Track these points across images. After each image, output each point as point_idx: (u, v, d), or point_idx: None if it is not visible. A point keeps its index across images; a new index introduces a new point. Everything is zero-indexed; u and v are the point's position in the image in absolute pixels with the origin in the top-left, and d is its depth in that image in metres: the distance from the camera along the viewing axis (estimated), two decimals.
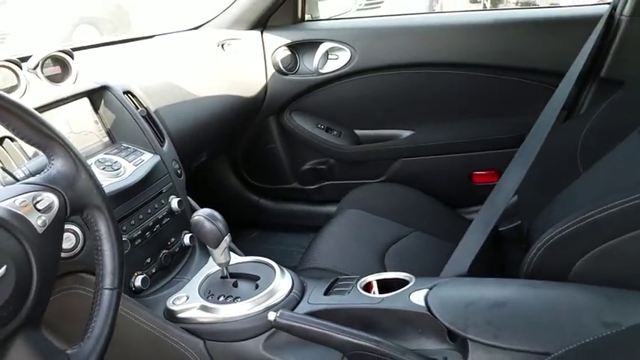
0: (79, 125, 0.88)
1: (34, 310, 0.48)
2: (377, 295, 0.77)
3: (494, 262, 1.20)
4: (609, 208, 0.77)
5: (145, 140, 0.93)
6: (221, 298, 0.81)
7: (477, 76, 1.35)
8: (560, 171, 1.10)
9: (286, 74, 1.44)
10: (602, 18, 1.16)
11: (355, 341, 0.69)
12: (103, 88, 0.92)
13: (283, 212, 1.72)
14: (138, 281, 0.82)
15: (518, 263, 0.83)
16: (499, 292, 0.71)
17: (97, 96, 0.91)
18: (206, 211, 0.80)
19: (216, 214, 0.80)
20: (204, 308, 0.79)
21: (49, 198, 0.53)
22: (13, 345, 0.47)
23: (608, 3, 1.26)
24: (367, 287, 0.81)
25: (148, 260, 0.86)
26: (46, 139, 0.55)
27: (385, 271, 0.95)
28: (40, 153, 0.63)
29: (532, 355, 0.60)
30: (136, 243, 0.84)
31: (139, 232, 0.85)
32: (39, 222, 0.51)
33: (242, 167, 1.68)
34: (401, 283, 0.78)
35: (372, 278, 0.82)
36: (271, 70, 1.44)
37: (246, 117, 1.45)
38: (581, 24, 1.23)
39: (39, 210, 0.51)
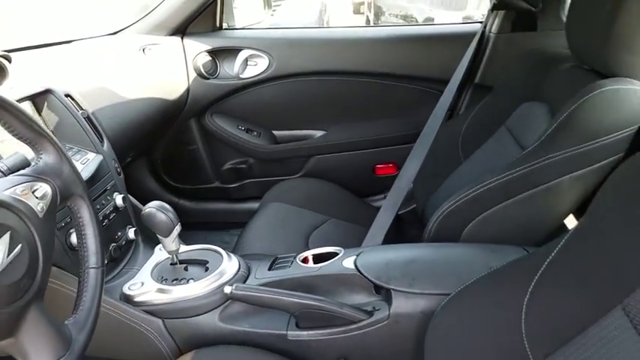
0: None
1: (41, 283, 0.55)
2: (314, 265, 0.92)
3: (396, 239, 1.41)
4: (486, 184, 1.00)
5: (88, 141, 0.98)
6: (174, 282, 0.90)
7: (377, 83, 1.56)
8: (446, 161, 1.33)
9: (207, 78, 1.53)
10: (476, 35, 1.42)
11: (301, 301, 0.83)
12: (46, 92, 0.95)
13: (204, 211, 1.79)
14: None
15: (415, 239, 1.02)
16: (411, 252, 0.90)
17: (40, 99, 0.94)
18: (156, 203, 0.87)
19: (166, 205, 0.88)
20: (160, 291, 0.87)
21: (44, 187, 0.59)
22: (30, 313, 0.54)
23: (480, 22, 1.54)
24: (304, 261, 0.95)
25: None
26: (36, 135, 0.61)
27: None
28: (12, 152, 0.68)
29: (438, 296, 0.79)
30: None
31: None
32: (38, 208, 0.57)
33: (161, 169, 1.72)
34: (332, 255, 0.94)
35: (308, 253, 0.96)
36: (193, 75, 1.52)
37: (169, 119, 1.51)
38: (459, 39, 1.48)
39: (37, 197, 0.58)
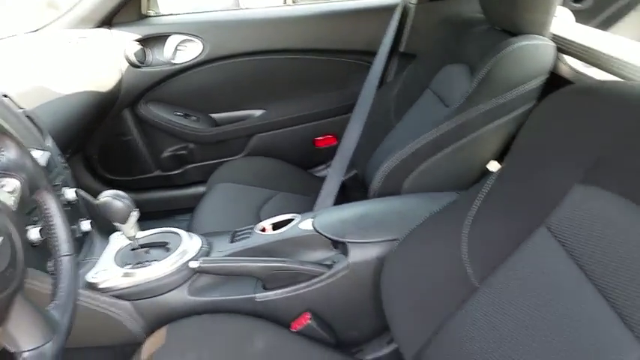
0: None
1: (22, 273, 0.57)
2: (274, 232, 0.97)
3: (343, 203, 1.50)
4: (419, 141, 1.10)
5: (32, 139, 0.96)
6: (138, 265, 0.91)
7: (310, 59, 1.61)
8: (380, 127, 1.42)
9: (139, 67, 1.51)
10: (397, 6, 1.51)
11: (267, 265, 0.89)
12: None
13: (148, 202, 1.77)
14: (35, 234, 0.86)
15: (359, 199, 1.09)
16: (361, 208, 0.98)
17: None
18: (110, 192, 0.87)
19: (120, 192, 0.89)
20: (126, 275, 0.88)
21: (12, 182, 0.60)
22: (15, 301, 0.55)
23: None
24: (263, 230, 1.00)
25: (36, 218, 0.91)
26: None
27: None
28: None
29: (389, 242, 0.88)
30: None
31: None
32: (11, 201, 0.58)
33: (98, 164, 1.67)
34: (289, 221, 1.00)
35: (266, 223, 1.01)
36: (124, 65, 1.49)
37: (103, 112, 1.48)
38: (382, 11, 1.56)
39: (8, 192, 0.59)
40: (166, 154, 1.70)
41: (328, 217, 0.97)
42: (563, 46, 1.09)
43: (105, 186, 1.71)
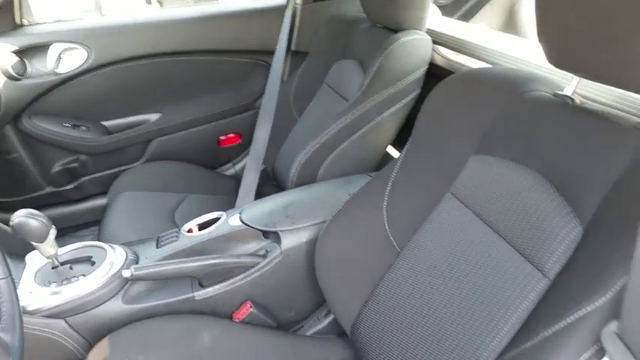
0: None
1: None
2: (202, 232, 1.00)
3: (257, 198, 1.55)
4: (326, 133, 1.20)
5: None
6: (65, 282, 0.88)
7: (204, 60, 1.61)
8: (283, 122, 1.49)
9: (18, 79, 1.39)
10: (288, 7, 1.58)
11: (202, 263, 0.92)
12: None
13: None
14: None
15: (272, 193, 1.16)
16: (285, 198, 1.05)
17: None
18: (23, 211, 0.82)
19: (34, 210, 0.85)
20: (54, 293, 0.85)
21: None
22: None
23: None
24: (189, 232, 1.02)
25: None
26: None
27: None
28: None
29: (317, 225, 0.96)
30: None
31: None
32: None
33: None
34: (215, 219, 1.03)
35: (191, 224, 1.03)
36: (2, 78, 1.36)
37: None
38: (273, 12, 1.62)
39: None
40: (57, 168, 1.59)
41: (255, 210, 1.02)
42: (437, 39, 1.27)
43: None
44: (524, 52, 1.04)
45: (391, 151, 1.36)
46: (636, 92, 0.58)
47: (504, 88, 0.76)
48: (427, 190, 0.81)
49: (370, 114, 1.19)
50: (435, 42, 1.24)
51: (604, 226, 0.55)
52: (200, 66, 1.62)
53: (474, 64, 1.15)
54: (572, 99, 0.69)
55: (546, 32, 0.64)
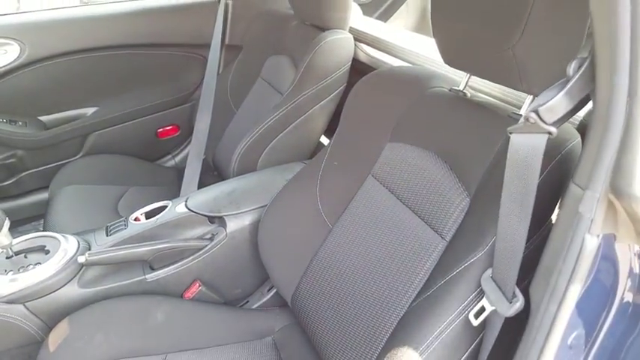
0: None
1: None
2: (150, 220, 1.07)
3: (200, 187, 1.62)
4: (264, 124, 1.31)
5: None
6: (21, 269, 0.93)
7: (137, 54, 1.64)
8: (221, 114, 1.57)
9: None
10: (220, 1, 1.65)
11: (152, 247, 1.00)
12: None
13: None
14: None
15: (213, 182, 1.24)
16: (228, 186, 1.14)
17: None
18: None
19: None
20: (12, 281, 0.90)
21: None
22: None
23: None
24: (136, 220, 1.09)
25: None
26: None
27: None
28: None
29: (259, 209, 1.07)
30: None
31: None
32: None
33: None
34: (162, 208, 1.11)
35: (138, 213, 1.10)
36: None
37: None
38: (206, 6, 1.67)
39: None
40: None
41: (199, 197, 1.11)
42: (359, 37, 1.40)
43: None
44: (432, 51, 1.20)
45: (324, 140, 1.49)
46: (511, 87, 0.73)
47: (412, 85, 0.91)
48: (352, 174, 0.94)
49: (302, 107, 1.31)
50: (357, 40, 1.38)
51: (483, 197, 0.71)
52: (136, 59, 1.65)
53: (391, 60, 1.30)
54: (464, 93, 0.84)
55: (440, 33, 0.79)
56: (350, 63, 1.34)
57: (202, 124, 1.35)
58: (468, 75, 0.84)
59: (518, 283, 0.59)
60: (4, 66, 1.44)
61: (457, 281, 0.66)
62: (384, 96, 0.95)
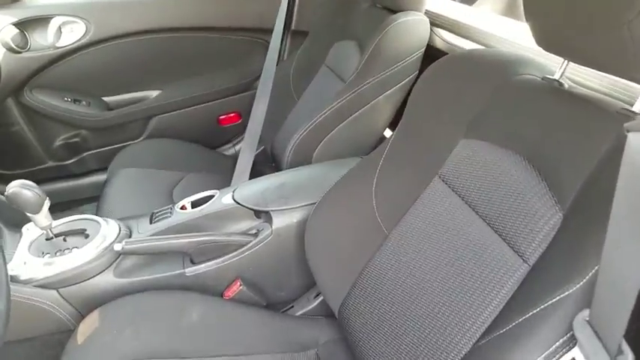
0: None
1: None
2: (195, 209, 1.01)
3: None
4: (322, 114, 1.20)
5: None
6: (58, 253, 0.90)
7: (203, 37, 1.61)
8: (282, 103, 1.49)
9: (19, 52, 1.39)
10: None
11: (194, 239, 0.93)
12: None
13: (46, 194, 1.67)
14: None
15: (269, 173, 1.16)
16: (278, 179, 1.05)
17: None
18: (17, 182, 0.84)
19: (28, 182, 0.86)
20: (47, 264, 0.87)
21: None
22: None
23: None
24: (183, 209, 1.03)
25: None
26: None
27: None
28: None
29: (308, 206, 0.97)
30: None
31: None
32: None
33: None
34: (209, 197, 1.04)
35: (185, 201, 1.04)
36: (2, 51, 1.36)
37: None
38: None
39: None
40: (58, 142, 1.60)
41: (247, 189, 1.03)
42: (436, 21, 1.25)
43: None
44: (523, 37, 1.02)
45: (388, 134, 1.36)
46: (622, 77, 0.57)
47: (494, 71, 0.76)
48: (415, 173, 0.81)
49: (366, 96, 1.19)
50: (433, 24, 1.23)
51: (582, 213, 0.55)
52: (200, 43, 1.61)
53: (473, 47, 1.14)
54: (560, 83, 0.68)
55: (533, 13, 0.63)
56: (424, 49, 1.20)
57: (258, 113, 1.27)
58: (566, 61, 0.68)
59: (626, 332, 0.44)
60: (69, 44, 1.44)
61: (541, 321, 0.51)
62: (459, 83, 0.80)
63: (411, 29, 1.17)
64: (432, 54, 1.21)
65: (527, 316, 0.52)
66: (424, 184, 0.78)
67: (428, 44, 1.21)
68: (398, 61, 1.16)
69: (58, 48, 1.44)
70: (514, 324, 0.53)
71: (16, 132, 1.52)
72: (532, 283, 0.57)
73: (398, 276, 0.75)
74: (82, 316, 0.89)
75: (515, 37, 1.03)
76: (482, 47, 1.10)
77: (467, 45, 1.17)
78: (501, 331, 0.55)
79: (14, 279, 0.85)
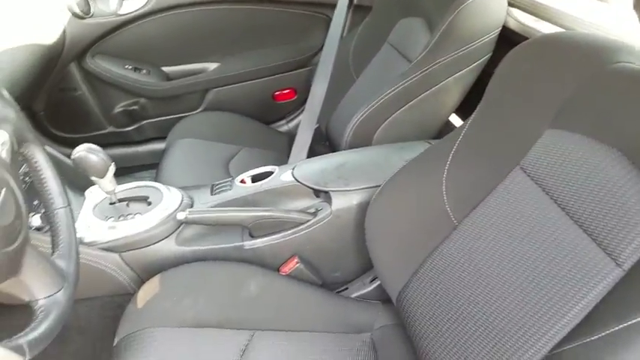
0: None
1: (27, 224, 0.56)
2: (255, 184, 1.00)
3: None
4: (386, 94, 1.16)
5: None
6: (121, 218, 0.92)
7: (268, 10, 1.59)
8: (340, 80, 1.45)
9: (83, 18, 1.41)
10: None
11: (254, 214, 0.93)
12: None
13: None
14: (36, 220, 0.85)
15: (325, 154, 1.13)
16: (339, 159, 1.03)
17: None
18: (84, 146, 0.85)
19: (94, 146, 0.86)
20: (111, 228, 0.89)
21: (2, 134, 0.58)
22: (26, 252, 0.55)
23: None
24: (242, 182, 1.03)
25: (35, 202, 0.89)
26: None
27: None
28: None
29: (370, 189, 0.94)
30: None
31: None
32: (3, 154, 0.57)
33: (46, 121, 1.58)
34: (268, 173, 1.03)
35: (245, 175, 1.04)
36: (67, 15, 1.39)
37: (47, 66, 1.38)
38: None
39: (1, 144, 0.57)
40: (118, 109, 1.63)
41: (307, 168, 1.01)
42: (514, 1, 1.17)
43: (56, 144, 1.62)
44: (618, 22, 0.94)
45: (453, 119, 1.30)
46: None
47: (589, 57, 0.69)
48: (493, 163, 0.76)
49: (434, 77, 1.13)
50: (510, 4, 1.15)
51: None
52: (259, 16, 1.59)
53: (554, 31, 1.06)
54: None
55: None
56: (499, 30, 1.13)
57: (319, 90, 1.24)
58: None
59: None
60: (131, 12, 1.46)
61: (638, 332, 0.47)
62: (548, 68, 0.74)
63: (487, 8, 1.10)
64: (505, 35, 1.14)
65: (626, 324, 0.48)
66: (502, 174, 0.74)
67: (503, 26, 1.14)
68: (471, 42, 1.10)
69: (120, 15, 1.46)
70: (609, 331, 0.49)
71: (79, 97, 1.55)
72: (629, 290, 0.53)
73: (466, 268, 0.72)
74: (141, 280, 0.91)
75: (612, 24, 0.95)
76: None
77: (545, 28, 1.10)
78: (592, 338, 0.51)
79: (79, 240, 0.87)
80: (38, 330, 0.52)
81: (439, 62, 1.12)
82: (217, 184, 1.03)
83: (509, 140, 0.75)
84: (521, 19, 1.17)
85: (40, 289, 0.57)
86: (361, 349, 0.85)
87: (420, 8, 1.28)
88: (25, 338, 0.50)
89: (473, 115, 0.84)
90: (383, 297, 0.96)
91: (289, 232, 0.95)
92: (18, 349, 0.47)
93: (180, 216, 0.90)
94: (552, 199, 0.65)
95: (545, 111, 0.71)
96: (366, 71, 1.41)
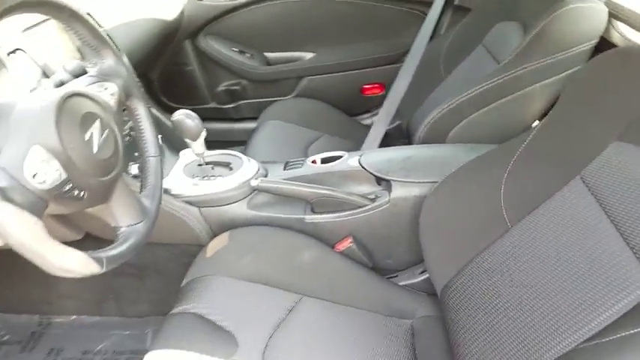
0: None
1: (123, 162, 0.68)
2: (323, 165, 1.07)
3: None
4: (466, 94, 1.16)
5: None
6: (205, 178, 1.04)
7: (364, 5, 1.65)
8: (428, 79, 1.46)
9: None
10: None
11: (317, 191, 1.00)
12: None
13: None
14: (134, 169, 1.00)
15: None
16: (406, 152, 1.06)
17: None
18: (183, 111, 0.97)
19: (192, 112, 0.98)
20: (195, 185, 1.01)
21: (112, 85, 0.70)
22: (118, 184, 0.66)
23: None
24: (313, 162, 1.10)
25: (135, 154, 1.04)
26: (100, 42, 0.71)
27: None
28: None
29: (429, 184, 0.97)
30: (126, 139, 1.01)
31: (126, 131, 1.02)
32: (112, 102, 0.69)
33: (159, 89, 1.79)
34: (337, 157, 1.09)
35: (316, 156, 1.11)
36: None
37: (165, 40, 1.56)
38: None
39: (110, 94, 0.69)
40: (221, 87, 1.80)
41: (374, 156, 1.06)
42: (616, 12, 1.10)
43: (164, 111, 1.81)
44: None
45: None
46: None
47: None
48: (554, 170, 0.75)
49: (519, 81, 1.11)
50: (612, 15, 1.09)
51: None
52: (358, 10, 1.65)
53: None
54: None
55: None
56: (596, 41, 1.08)
57: (401, 86, 1.28)
58: None
59: None
60: None
61: None
62: (627, 79, 0.72)
63: (585, 16, 1.06)
64: (605, 49, 1.08)
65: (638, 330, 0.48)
66: (562, 181, 0.73)
67: (603, 38, 1.09)
68: (564, 49, 1.07)
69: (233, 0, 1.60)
70: (619, 335, 0.49)
71: (189, 72, 1.74)
72: None
73: (513, 269, 0.72)
74: (214, 234, 1.02)
75: None
76: None
77: None
78: (602, 340, 0.51)
79: (167, 191, 1.01)
80: (117, 250, 0.63)
81: (527, 67, 1.10)
82: (291, 162, 1.12)
83: (574, 148, 0.74)
84: (628, 35, 1.10)
85: (124, 218, 0.68)
86: (400, 334, 0.88)
87: (519, 12, 1.25)
88: (104, 253, 0.60)
89: (543, 120, 0.83)
90: (429, 290, 0.99)
91: (347, 212, 1.00)
92: (98, 260, 0.57)
93: (254, 183, 1.00)
94: (606, 213, 0.64)
95: (616, 122, 0.69)
96: (455, 72, 1.41)
